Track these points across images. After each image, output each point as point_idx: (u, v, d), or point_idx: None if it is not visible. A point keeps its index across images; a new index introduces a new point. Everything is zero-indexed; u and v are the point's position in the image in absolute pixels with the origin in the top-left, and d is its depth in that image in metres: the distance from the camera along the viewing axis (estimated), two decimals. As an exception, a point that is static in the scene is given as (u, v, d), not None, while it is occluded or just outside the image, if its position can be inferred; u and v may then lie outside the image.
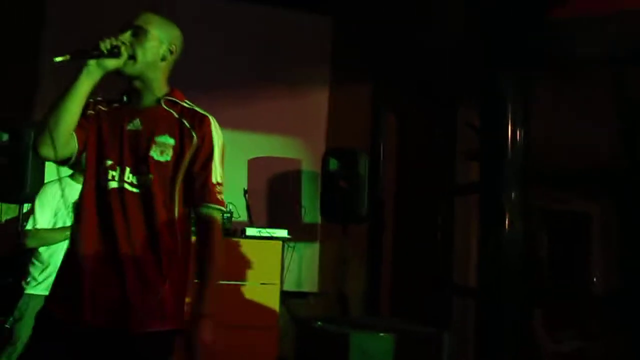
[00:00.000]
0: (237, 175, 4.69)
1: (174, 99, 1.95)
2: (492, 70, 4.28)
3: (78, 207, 1.93)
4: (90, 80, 1.80)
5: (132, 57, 1.85)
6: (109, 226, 1.84)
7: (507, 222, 4.18)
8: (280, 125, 4.84)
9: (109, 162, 1.87)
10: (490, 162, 4.34)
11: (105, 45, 1.79)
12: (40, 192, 3.40)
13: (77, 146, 1.85)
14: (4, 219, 4.53)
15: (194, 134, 1.89)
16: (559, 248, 4.88)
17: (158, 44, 1.92)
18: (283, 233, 3.93)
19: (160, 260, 1.85)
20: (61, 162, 1.85)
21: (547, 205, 4.71)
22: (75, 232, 1.90)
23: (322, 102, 4.97)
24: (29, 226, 3.32)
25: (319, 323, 3.77)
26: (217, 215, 1.93)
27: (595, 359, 4.36)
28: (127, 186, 1.86)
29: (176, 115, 1.92)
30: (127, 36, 1.87)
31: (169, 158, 1.87)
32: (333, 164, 4.44)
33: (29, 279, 3.32)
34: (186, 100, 1.98)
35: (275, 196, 4.79)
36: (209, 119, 1.93)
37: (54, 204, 3.31)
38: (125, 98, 1.96)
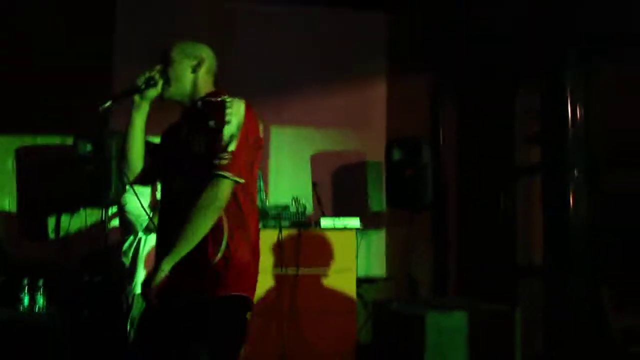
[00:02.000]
0: (303, 170, 4.89)
1: (209, 98, 2.14)
2: (552, 51, 4.33)
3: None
4: (142, 113, 2.12)
5: (167, 81, 2.12)
6: (170, 220, 2.07)
7: (571, 202, 4.24)
8: (342, 119, 5.00)
9: (172, 168, 2.13)
10: (552, 142, 4.39)
11: (140, 80, 2.08)
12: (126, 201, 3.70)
13: (142, 167, 2.17)
14: (89, 223, 4.82)
15: (211, 121, 2.03)
16: (625, 225, 4.89)
17: (184, 63, 2.15)
18: (356, 222, 4.07)
19: (208, 240, 1.99)
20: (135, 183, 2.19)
21: (610, 185, 4.72)
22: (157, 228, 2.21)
23: (381, 93, 5.09)
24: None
25: (394, 305, 3.91)
26: (220, 180, 1.96)
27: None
28: (178, 185, 2.09)
29: (201, 109, 2.13)
30: (158, 67, 2.14)
31: (202, 150, 2.02)
32: (397, 153, 4.57)
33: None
34: (220, 96, 2.12)
35: (340, 188, 4.95)
36: (224, 101, 2.06)
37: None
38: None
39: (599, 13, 4.06)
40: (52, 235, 4.85)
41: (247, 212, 2.07)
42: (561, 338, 4.11)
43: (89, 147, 4.39)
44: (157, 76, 2.09)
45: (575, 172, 4.24)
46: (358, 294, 4.34)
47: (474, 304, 3.93)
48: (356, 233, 4.04)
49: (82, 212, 4.81)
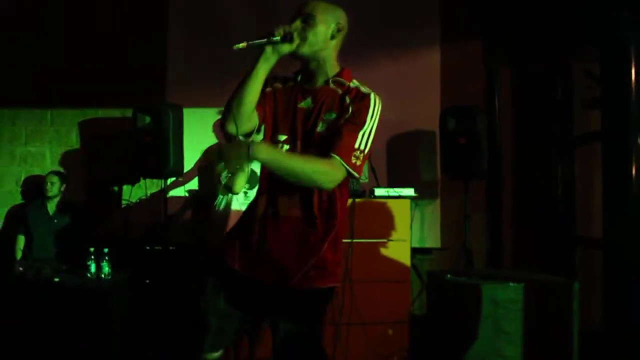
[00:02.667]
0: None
1: (341, 79, 2.11)
2: (611, 12, 4.16)
3: (263, 172, 2.16)
4: (268, 65, 1.99)
5: (304, 40, 2.03)
6: (278, 193, 2.06)
7: (633, 169, 4.11)
8: (395, 87, 4.95)
9: (283, 137, 2.09)
10: (612, 107, 4.24)
11: (279, 32, 1.96)
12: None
13: (257, 121, 2.06)
14: (149, 193, 4.98)
15: (350, 108, 2.03)
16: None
17: (326, 26, 2.08)
18: (410, 192, 4.07)
19: (319, 223, 2.04)
20: (244, 136, 2.04)
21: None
22: (254, 199, 2.17)
23: (435, 61, 5.01)
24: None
25: (449, 276, 3.90)
26: (339, 166, 1.97)
27: None
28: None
29: (340, 92, 2.08)
30: (297, 23, 2.04)
31: (330, 135, 2.02)
32: (451, 122, 4.52)
33: None
34: (353, 80, 2.12)
35: (395, 157, 4.93)
36: (369, 97, 2.06)
37: None
38: (299, 77, 2.15)
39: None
40: (115, 205, 5.04)
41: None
42: (620, 312, 4.02)
43: (147, 120, 4.51)
44: (295, 34, 2.01)
45: (639, 140, 4.10)
46: (412, 264, 4.36)
47: (531, 276, 3.88)
48: (410, 202, 4.04)
49: (142, 183, 4.96)
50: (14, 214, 5.02)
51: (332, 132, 2.01)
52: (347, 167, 1.98)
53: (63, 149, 5.12)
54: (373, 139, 2.05)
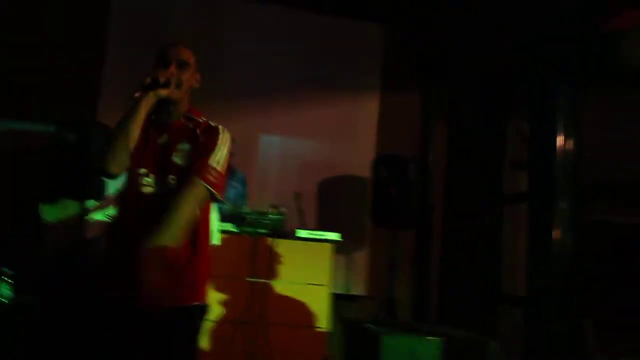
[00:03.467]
0: (288, 179, 4.81)
1: (191, 115, 2.31)
2: (542, 79, 4.28)
3: (119, 207, 2.29)
4: (147, 107, 2.16)
5: (179, 86, 2.22)
6: (144, 223, 2.13)
7: (556, 232, 4.16)
8: (332, 130, 4.93)
9: (144, 170, 2.23)
10: (539, 171, 4.33)
11: (162, 78, 2.14)
12: None
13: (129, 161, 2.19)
14: (68, 214, 4.74)
15: (201, 138, 2.24)
16: (612, 260, 4.81)
17: (193, 71, 2.30)
18: (335, 236, 3.99)
19: (186, 249, 2.18)
20: (115, 177, 2.19)
21: (598, 217, 4.65)
22: (116, 226, 2.27)
23: (373, 108, 5.03)
24: None
25: (369, 325, 3.83)
26: (199, 185, 2.16)
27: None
28: (159, 190, 2.21)
29: (191, 126, 2.29)
30: (174, 70, 2.21)
31: (187, 162, 2.21)
32: (383, 170, 4.50)
33: None
34: (202, 117, 2.33)
35: (325, 201, 4.88)
36: (218, 128, 2.29)
37: None
38: (152, 117, 2.28)
39: (590, 47, 4.03)
40: (29, 224, 4.77)
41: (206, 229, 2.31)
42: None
43: (71, 136, 4.32)
44: (172, 79, 2.18)
45: (561, 202, 4.18)
46: (337, 310, 4.26)
47: (451, 331, 3.85)
48: (333, 246, 3.95)
49: (61, 202, 4.73)
50: None
51: (188, 161, 2.21)
52: (206, 185, 2.17)
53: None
54: (227, 165, 2.26)
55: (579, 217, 4.19)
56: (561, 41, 4.16)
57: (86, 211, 4.44)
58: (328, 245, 3.92)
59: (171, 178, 2.20)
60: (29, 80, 4.68)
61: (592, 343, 4.44)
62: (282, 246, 3.88)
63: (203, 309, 2.26)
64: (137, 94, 2.11)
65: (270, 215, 4.00)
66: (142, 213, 2.19)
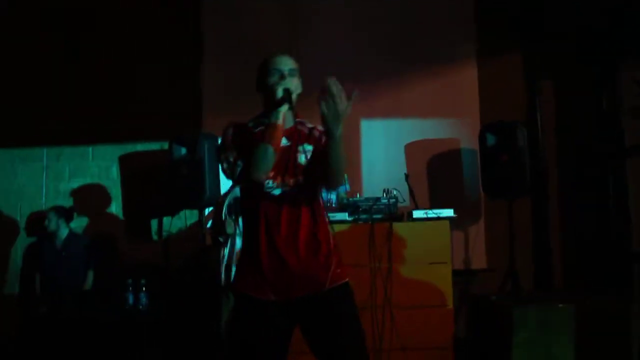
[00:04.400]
0: (396, 161, 4.79)
1: (302, 121, 2.44)
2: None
3: (249, 211, 2.38)
4: (284, 117, 2.28)
5: (296, 95, 2.35)
6: (276, 224, 2.30)
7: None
8: (433, 106, 4.84)
9: (271, 174, 2.30)
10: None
11: (289, 91, 2.28)
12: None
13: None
14: (188, 224, 4.99)
15: (323, 137, 2.27)
16: None
17: (299, 80, 2.38)
18: (449, 212, 3.94)
19: (320, 241, 2.33)
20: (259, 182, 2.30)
21: None
22: (251, 231, 2.36)
23: (472, 76, 4.89)
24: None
25: (494, 298, 3.75)
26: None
27: None
28: (287, 190, 2.32)
29: (307, 130, 2.42)
30: (296, 81, 2.35)
31: (310, 161, 2.34)
32: (490, 139, 4.38)
33: None
34: (308, 121, 2.45)
35: (435, 178, 4.81)
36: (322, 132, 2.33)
37: None
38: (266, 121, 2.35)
39: None
40: (155, 237, 5.07)
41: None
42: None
43: (183, 151, 4.54)
44: (293, 88, 2.31)
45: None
46: (459, 286, 4.20)
47: (583, 296, 3.69)
48: (449, 223, 3.90)
49: (181, 213, 4.98)
50: (30, 252, 5.09)
51: (314, 159, 2.33)
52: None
53: (105, 183, 5.21)
54: None
55: None
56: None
57: (205, 219, 4.66)
58: (445, 222, 3.88)
59: (295, 179, 2.32)
60: (141, 104, 4.97)
61: None
62: (399, 229, 3.87)
63: (349, 285, 2.39)
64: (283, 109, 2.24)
65: (383, 200, 4.02)
66: (273, 215, 2.30)
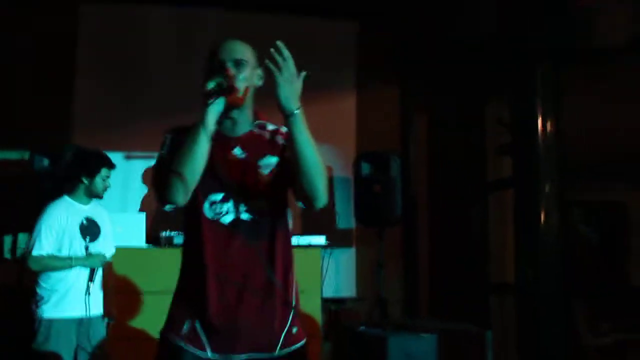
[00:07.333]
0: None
1: (262, 122, 1.93)
2: (521, 64, 4.27)
3: (190, 241, 1.91)
4: (215, 119, 1.78)
5: (240, 88, 1.82)
6: (224, 259, 1.81)
7: (542, 215, 4.16)
8: (310, 132, 4.86)
9: (219, 196, 1.84)
10: (522, 155, 4.32)
11: (222, 84, 1.77)
12: (44, 213, 3.31)
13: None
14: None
15: (286, 146, 1.86)
16: (597, 240, 4.83)
17: (253, 72, 1.89)
18: (321, 240, 3.95)
19: (287, 281, 1.86)
20: (178, 206, 1.80)
21: (583, 196, 4.66)
22: (191, 263, 1.88)
23: (350, 106, 4.99)
24: (35, 251, 3.22)
25: (362, 328, 3.79)
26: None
27: (636, 352, 4.31)
28: (243, 216, 1.83)
29: (267, 136, 1.90)
30: (232, 71, 1.82)
31: (278, 178, 1.85)
32: (365, 168, 4.46)
33: (40, 303, 3.23)
34: (269, 122, 1.94)
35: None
36: None
37: (57, 226, 3.26)
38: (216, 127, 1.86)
39: (565, 28, 4.03)
40: (8, 255, 4.67)
41: None
42: (535, 358, 4.02)
43: (45, 162, 4.23)
44: (233, 81, 1.79)
45: (547, 186, 4.18)
46: (328, 314, 4.21)
47: (445, 326, 3.83)
48: (321, 251, 3.91)
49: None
50: None
51: (282, 173, 1.85)
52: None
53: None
54: None
55: (564, 198, 4.20)
56: (536, 21, 4.15)
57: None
58: (317, 250, 3.88)
59: (253, 202, 1.83)
60: (5, 112, 4.58)
61: (582, 324, 4.46)
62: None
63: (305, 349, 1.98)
64: (208, 102, 1.73)
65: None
66: (220, 247, 1.81)
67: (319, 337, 3.79)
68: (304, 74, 1.77)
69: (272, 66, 1.72)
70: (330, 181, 4.87)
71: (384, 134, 4.91)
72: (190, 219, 1.86)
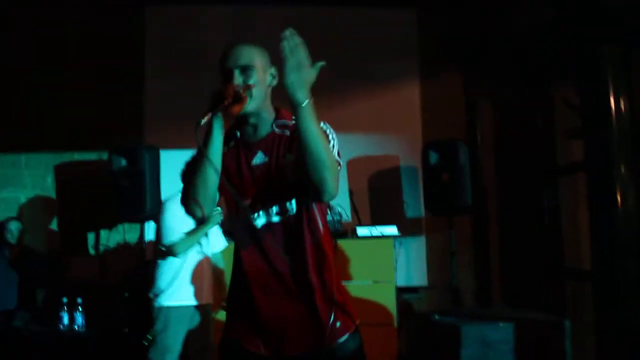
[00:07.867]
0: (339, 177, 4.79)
1: (282, 120, 1.92)
2: (587, 44, 4.15)
3: (237, 242, 1.96)
4: (223, 130, 1.80)
5: (250, 95, 1.82)
6: (263, 260, 1.87)
7: (618, 198, 4.04)
8: (376, 123, 4.89)
9: (250, 202, 1.87)
10: (595, 137, 4.20)
11: (227, 93, 1.76)
12: (163, 211, 3.44)
13: (217, 194, 1.87)
14: (127, 238, 4.84)
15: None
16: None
17: (264, 74, 1.88)
18: (393, 230, 3.98)
19: (323, 279, 1.88)
20: (204, 217, 1.86)
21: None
22: (238, 265, 1.93)
23: (415, 95, 4.97)
24: (165, 240, 3.36)
25: (436, 317, 3.79)
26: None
27: None
28: (274, 219, 1.87)
29: (288, 134, 1.89)
30: (238, 78, 1.82)
31: (299, 175, 1.79)
32: (433, 157, 4.46)
33: (157, 291, 3.41)
34: (294, 117, 1.84)
35: (377, 194, 4.85)
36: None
37: (175, 224, 3.33)
38: (238, 134, 1.93)
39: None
40: (92, 251, 4.89)
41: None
42: (615, 348, 3.92)
43: (123, 162, 4.41)
44: (241, 90, 1.78)
45: (622, 168, 4.05)
46: (401, 303, 4.23)
47: (521, 314, 3.78)
48: (393, 241, 3.93)
49: (120, 227, 4.83)
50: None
51: (299, 174, 1.80)
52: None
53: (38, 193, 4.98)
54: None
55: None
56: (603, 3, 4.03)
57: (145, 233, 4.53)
58: (390, 241, 3.91)
59: (281, 204, 1.86)
60: (80, 113, 4.78)
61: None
62: (343, 246, 3.86)
63: (358, 332, 2.04)
64: (205, 118, 1.72)
65: (328, 217, 4.00)
66: (262, 250, 1.87)
67: (394, 325, 3.80)
68: (320, 64, 1.74)
69: (284, 52, 1.68)
70: (398, 171, 4.88)
71: (449, 122, 4.88)
72: (231, 226, 1.96)
